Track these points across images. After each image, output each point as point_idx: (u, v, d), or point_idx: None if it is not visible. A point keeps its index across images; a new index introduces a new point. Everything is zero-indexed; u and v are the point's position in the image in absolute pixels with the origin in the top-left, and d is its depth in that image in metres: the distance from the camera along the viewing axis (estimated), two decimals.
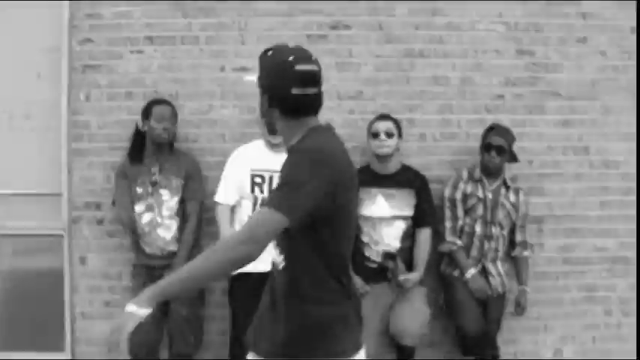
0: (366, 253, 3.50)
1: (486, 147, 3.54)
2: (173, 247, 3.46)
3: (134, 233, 3.49)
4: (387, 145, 3.49)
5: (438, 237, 3.60)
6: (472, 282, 3.50)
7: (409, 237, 3.53)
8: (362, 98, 3.79)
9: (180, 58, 3.78)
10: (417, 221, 3.54)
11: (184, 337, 3.43)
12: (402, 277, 3.43)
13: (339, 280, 1.90)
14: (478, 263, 3.56)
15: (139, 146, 3.51)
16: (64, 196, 3.81)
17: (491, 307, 3.57)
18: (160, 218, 3.45)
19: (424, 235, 3.54)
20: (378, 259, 3.47)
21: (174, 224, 3.47)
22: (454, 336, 3.69)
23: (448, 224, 3.58)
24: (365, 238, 3.49)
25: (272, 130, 2.00)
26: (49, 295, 3.86)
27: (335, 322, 1.88)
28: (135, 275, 3.55)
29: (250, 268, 3.55)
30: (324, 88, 1.94)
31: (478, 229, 3.55)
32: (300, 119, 1.91)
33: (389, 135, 3.50)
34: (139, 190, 3.46)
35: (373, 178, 3.53)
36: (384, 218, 3.49)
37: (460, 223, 3.58)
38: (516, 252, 3.67)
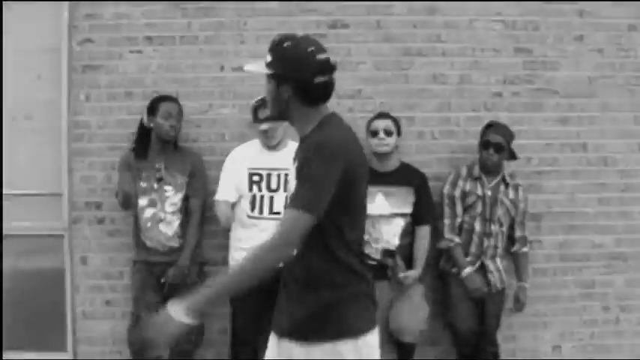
0: (366, 251, 3.51)
1: (484, 144, 3.56)
2: (174, 243, 3.48)
3: (128, 201, 3.46)
4: (386, 143, 3.51)
5: (437, 234, 3.62)
6: (468, 281, 3.51)
7: (408, 234, 3.55)
8: (361, 97, 3.81)
9: (180, 58, 3.79)
10: (416, 219, 3.56)
11: (186, 334, 3.44)
12: (401, 275, 3.46)
13: (350, 264, 1.98)
14: (477, 260, 3.58)
15: (144, 141, 3.53)
16: (64, 196, 3.83)
17: (489, 304, 3.58)
18: (163, 214, 3.47)
19: (423, 232, 3.56)
20: (378, 256, 3.49)
21: (176, 220, 3.49)
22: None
23: (447, 221, 3.60)
24: (364, 236, 3.50)
25: (281, 118, 2.07)
26: (50, 295, 3.88)
27: (345, 302, 1.95)
28: (134, 272, 3.56)
29: None
30: None
31: (477, 226, 3.57)
32: (316, 107, 2.00)
33: (388, 133, 3.52)
34: (143, 184, 3.48)
35: (372, 176, 3.48)
36: (383, 216, 3.51)
37: (459, 220, 3.59)
38: (515, 248, 3.69)
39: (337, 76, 2.01)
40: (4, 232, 3.80)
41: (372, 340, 2.00)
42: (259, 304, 3.16)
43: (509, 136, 3.56)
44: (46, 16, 3.82)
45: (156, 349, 1.72)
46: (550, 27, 3.85)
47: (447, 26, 3.82)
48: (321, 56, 1.95)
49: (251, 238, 3.43)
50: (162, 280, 3.42)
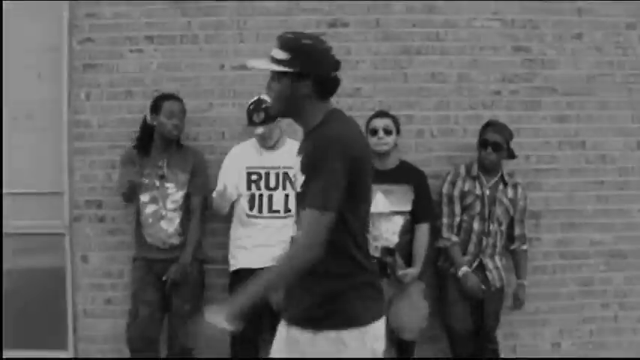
0: None
1: (483, 143, 3.56)
2: (174, 240, 3.50)
3: (133, 192, 3.49)
4: (385, 142, 3.52)
5: (436, 232, 3.63)
6: (464, 280, 3.51)
7: (408, 232, 3.55)
8: (360, 95, 3.82)
9: (180, 57, 3.81)
10: (415, 216, 3.56)
11: (187, 331, 3.46)
12: (400, 272, 3.46)
13: (355, 255, 2.04)
14: (476, 259, 3.58)
15: (147, 139, 3.54)
16: (65, 194, 3.84)
17: (488, 302, 3.58)
18: (164, 211, 3.49)
19: (422, 230, 3.56)
20: (377, 254, 3.49)
21: (177, 217, 3.50)
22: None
23: (445, 220, 3.60)
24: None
25: (286, 115, 2.14)
26: (51, 293, 3.89)
27: (350, 292, 2.01)
28: (134, 268, 3.57)
29: (248, 263, 3.60)
30: None
31: (476, 225, 3.57)
32: (326, 101, 2.10)
33: (387, 132, 3.53)
34: (145, 180, 3.49)
35: None
36: (382, 214, 3.51)
37: (457, 219, 3.60)
38: (515, 246, 3.69)
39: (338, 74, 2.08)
40: (5, 230, 3.81)
41: (377, 330, 2.05)
42: (259, 303, 3.18)
43: (507, 135, 3.57)
44: (46, 15, 3.83)
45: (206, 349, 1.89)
46: (548, 25, 3.87)
47: (445, 25, 3.84)
48: (333, 53, 2.08)
49: (250, 236, 3.46)
50: (164, 278, 3.44)
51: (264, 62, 2.08)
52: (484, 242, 3.57)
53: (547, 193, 3.89)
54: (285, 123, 3.36)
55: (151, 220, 3.49)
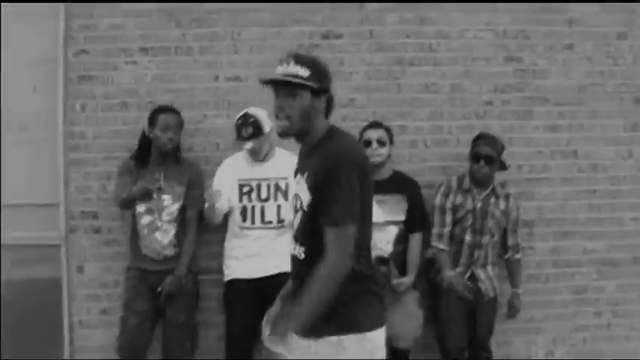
0: None
1: (475, 157, 3.57)
2: (169, 252, 3.51)
3: (132, 202, 3.50)
4: (378, 153, 3.53)
5: (428, 242, 3.65)
6: (452, 283, 3.49)
7: (402, 241, 3.57)
8: (353, 106, 3.85)
9: (175, 69, 3.83)
10: (409, 226, 3.58)
11: (181, 343, 3.47)
12: (395, 282, 3.49)
13: (358, 264, 2.06)
14: (468, 270, 3.59)
15: (146, 151, 3.56)
16: (61, 206, 3.85)
17: (481, 312, 3.59)
18: (160, 222, 3.51)
19: (416, 239, 3.59)
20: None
21: (172, 229, 3.52)
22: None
23: (435, 230, 3.60)
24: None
25: (305, 132, 2.14)
26: (47, 304, 3.90)
27: (351, 299, 2.05)
28: (127, 278, 3.58)
29: (242, 274, 3.62)
30: None
31: (467, 237, 3.57)
32: (328, 118, 2.19)
33: (381, 143, 3.55)
34: (154, 190, 3.50)
35: None
36: (376, 224, 3.46)
37: (448, 229, 3.59)
38: (508, 255, 3.72)
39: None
40: (3, 242, 3.82)
41: (377, 338, 2.08)
42: (253, 309, 3.20)
43: (499, 147, 3.58)
44: (41, 27, 3.85)
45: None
46: (540, 36, 3.90)
47: (438, 36, 3.87)
48: None
49: (243, 246, 3.48)
50: (159, 289, 3.45)
51: (293, 77, 2.06)
52: (476, 254, 3.58)
53: (540, 202, 3.91)
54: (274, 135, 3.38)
55: (146, 231, 3.51)
